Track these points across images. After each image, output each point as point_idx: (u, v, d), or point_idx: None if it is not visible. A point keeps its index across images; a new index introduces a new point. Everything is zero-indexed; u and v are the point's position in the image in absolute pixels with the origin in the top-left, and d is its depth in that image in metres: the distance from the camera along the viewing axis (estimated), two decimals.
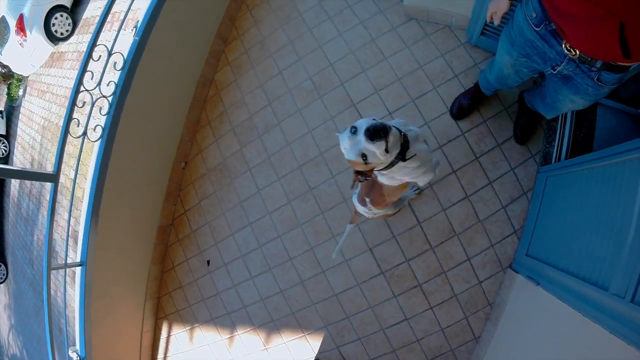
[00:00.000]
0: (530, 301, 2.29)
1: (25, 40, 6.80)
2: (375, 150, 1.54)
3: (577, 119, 2.39)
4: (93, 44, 2.58)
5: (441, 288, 2.80)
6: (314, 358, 3.12)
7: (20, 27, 6.69)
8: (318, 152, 3.10)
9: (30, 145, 7.34)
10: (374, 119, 1.55)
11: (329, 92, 3.11)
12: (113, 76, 2.82)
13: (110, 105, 2.79)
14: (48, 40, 6.85)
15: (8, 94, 8.84)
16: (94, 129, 2.78)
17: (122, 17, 2.77)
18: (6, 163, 8.41)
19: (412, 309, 2.87)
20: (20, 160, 7.79)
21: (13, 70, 8.10)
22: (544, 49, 1.61)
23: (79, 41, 6.66)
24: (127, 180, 3.13)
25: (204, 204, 3.52)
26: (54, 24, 6.74)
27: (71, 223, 2.91)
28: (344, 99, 3.06)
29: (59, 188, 2.66)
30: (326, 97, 3.11)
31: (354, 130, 1.57)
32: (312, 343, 3.13)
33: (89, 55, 2.56)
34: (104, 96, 2.75)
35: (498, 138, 2.70)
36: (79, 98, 2.61)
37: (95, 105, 2.72)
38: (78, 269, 2.97)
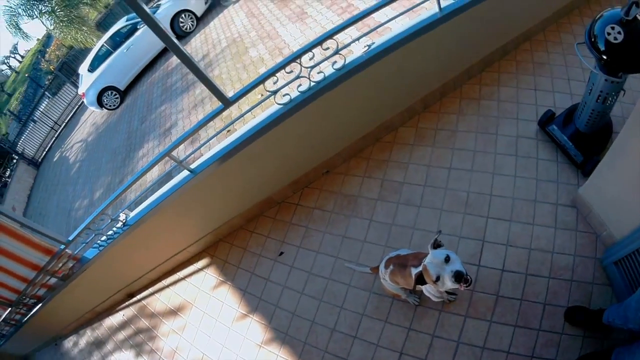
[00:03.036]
0: None
1: None
2: (450, 285, 1.92)
3: None
4: (330, 36, 2.72)
5: None
6: None
7: None
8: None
9: (213, 43, 7.74)
10: (448, 256, 1.96)
11: (472, 215, 3.07)
12: (326, 68, 2.97)
13: (310, 88, 2.94)
14: None
15: None
16: (283, 95, 2.95)
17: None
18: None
19: None
20: (196, 46, 8.14)
21: None
22: None
23: None
24: (277, 148, 3.28)
25: (316, 212, 3.60)
26: None
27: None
28: (479, 230, 2.99)
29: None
30: (468, 217, 3.07)
31: (447, 259, 1.95)
32: None
33: (319, 43, 2.71)
34: (309, 79, 2.89)
35: None
36: (290, 67, 2.78)
37: (298, 79, 2.86)
38: (185, 172, 3.15)
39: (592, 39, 2.24)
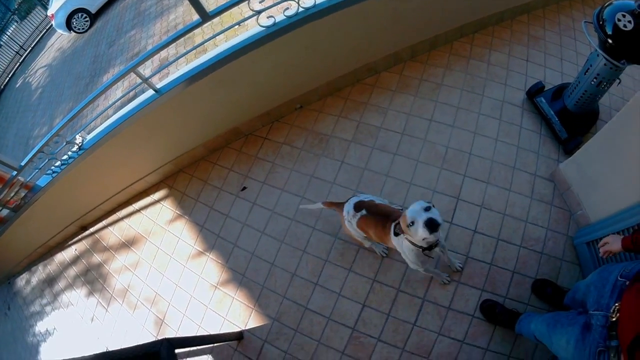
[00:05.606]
0: None
1: None
2: (420, 232, 1.75)
3: None
4: None
5: None
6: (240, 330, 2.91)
7: None
8: (399, 206, 2.66)
9: None
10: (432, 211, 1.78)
11: (449, 171, 2.96)
12: None
13: (297, 14, 2.70)
14: None
15: None
16: (267, 17, 2.70)
17: None
18: None
19: None
20: None
21: None
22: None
23: None
24: (251, 74, 3.03)
25: (284, 148, 3.38)
26: None
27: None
28: (455, 187, 2.90)
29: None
30: (445, 172, 2.96)
31: (428, 209, 1.78)
32: (254, 320, 2.91)
33: None
34: (298, 3, 2.67)
35: None
36: None
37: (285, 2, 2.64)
38: (150, 91, 2.88)
39: (601, 22, 2.28)
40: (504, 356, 2.42)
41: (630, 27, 2.17)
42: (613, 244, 1.74)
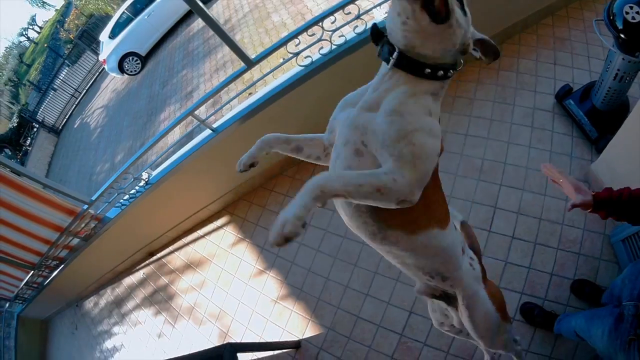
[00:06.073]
0: None
1: None
2: None
3: None
4: (352, 0, 2.72)
5: None
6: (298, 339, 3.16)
7: None
8: None
9: (235, 8, 7.72)
10: None
11: (486, 182, 3.09)
12: (348, 32, 2.97)
13: (331, 52, 2.96)
14: None
15: None
16: (304, 57, 2.99)
17: None
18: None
19: None
20: (219, 11, 8.12)
21: None
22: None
23: None
24: (298, 109, 3.29)
25: None
26: None
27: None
28: (492, 196, 3.02)
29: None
30: (482, 183, 3.10)
31: None
32: (311, 330, 3.15)
33: (341, 7, 2.74)
34: (330, 42, 2.91)
35: None
36: (312, 30, 2.81)
37: (320, 41, 2.89)
38: (207, 131, 3.21)
39: (611, 17, 2.23)
40: (545, 357, 2.49)
41: (638, 18, 2.12)
42: (580, 197, 1.56)
